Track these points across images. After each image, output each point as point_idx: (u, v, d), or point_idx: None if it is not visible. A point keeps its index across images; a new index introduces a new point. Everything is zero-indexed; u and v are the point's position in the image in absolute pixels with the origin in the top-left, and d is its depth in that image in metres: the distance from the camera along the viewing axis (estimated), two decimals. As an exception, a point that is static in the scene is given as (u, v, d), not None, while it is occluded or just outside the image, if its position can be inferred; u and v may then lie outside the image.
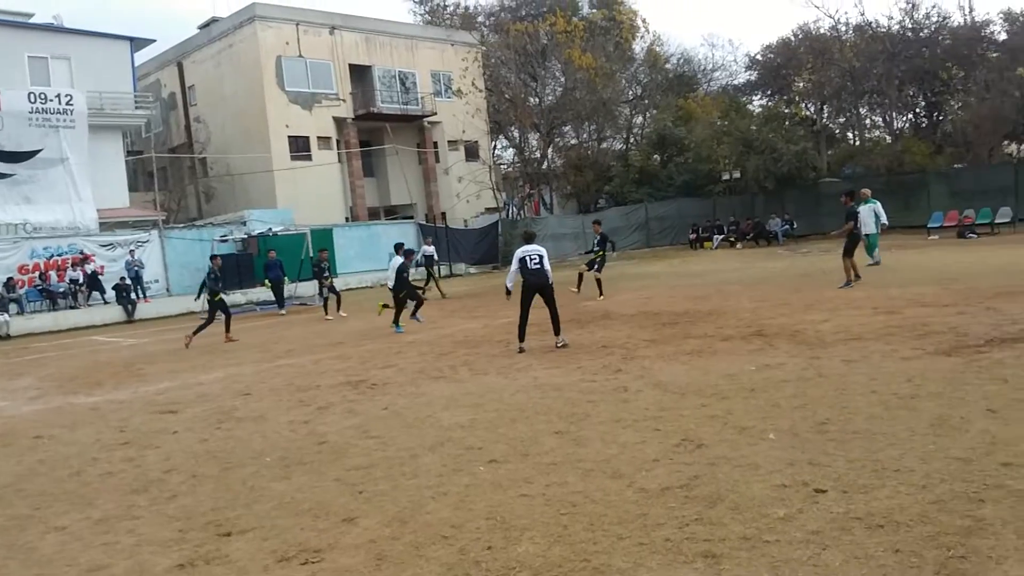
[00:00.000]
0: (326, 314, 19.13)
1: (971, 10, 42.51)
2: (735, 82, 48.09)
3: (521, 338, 10.76)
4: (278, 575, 4.03)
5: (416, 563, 4.00)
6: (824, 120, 42.43)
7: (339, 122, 38.30)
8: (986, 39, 37.77)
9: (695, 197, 37.52)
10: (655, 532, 4.06)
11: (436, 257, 23.41)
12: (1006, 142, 37.49)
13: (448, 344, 12.13)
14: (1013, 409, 5.69)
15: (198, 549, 4.49)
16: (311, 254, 25.48)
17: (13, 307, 23.70)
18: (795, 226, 33.14)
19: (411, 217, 39.72)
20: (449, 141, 42.01)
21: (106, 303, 25.30)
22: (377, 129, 39.83)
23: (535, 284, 10.66)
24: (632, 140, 46.66)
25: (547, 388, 7.96)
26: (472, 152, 41.99)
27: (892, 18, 37.77)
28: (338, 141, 38.46)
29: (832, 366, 7.78)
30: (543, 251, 10.94)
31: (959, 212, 28.75)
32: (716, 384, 7.43)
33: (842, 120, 43.98)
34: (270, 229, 27.44)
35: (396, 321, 14.85)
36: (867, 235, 17.76)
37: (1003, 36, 37.42)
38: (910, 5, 36.86)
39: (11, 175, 27.26)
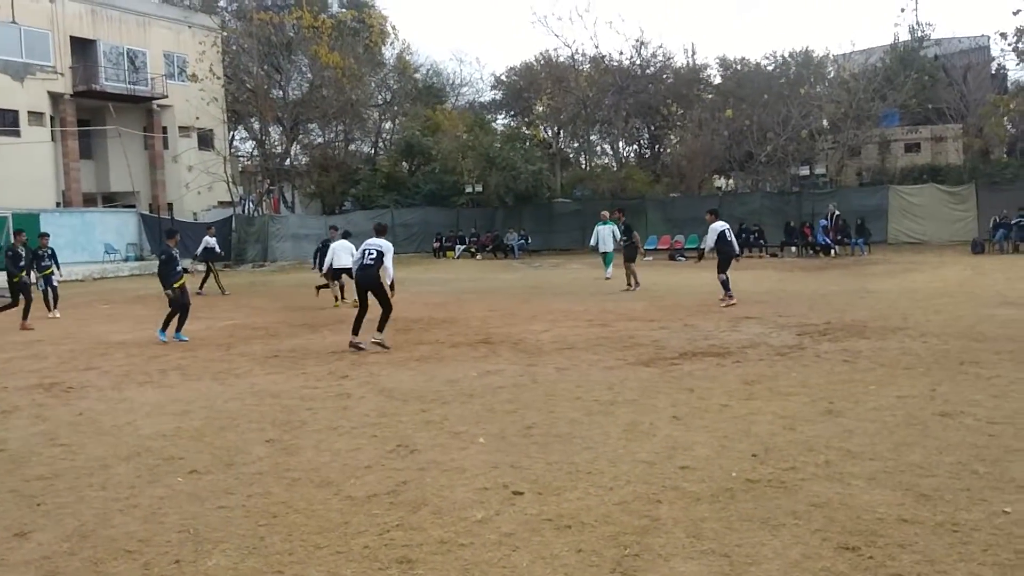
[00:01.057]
0: (50, 311, 15.68)
1: (693, 53, 47.34)
2: (481, 99, 49.74)
3: (354, 332, 10.12)
4: (-88, 609, 3.48)
5: (89, 584, 3.64)
6: (560, 144, 45.08)
7: (55, 97, 34.38)
8: (703, 81, 42.25)
9: (440, 207, 38.22)
10: (354, 540, 4.02)
11: (219, 250, 21.81)
12: (715, 176, 42.09)
13: (161, 347, 11.26)
14: (695, 416, 6.34)
15: None
16: (12, 240, 22.59)
17: None
18: (530, 241, 34.85)
19: (133, 206, 36.57)
20: (180, 127, 39.18)
21: None
22: (99, 108, 36.25)
23: (362, 282, 10.12)
24: (381, 145, 46.57)
25: (264, 395, 7.65)
26: (206, 141, 39.42)
27: (623, 54, 40.92)
28: (52, 118, 34.52)
29: (546, 373, 8.24)
30: (385, 246, 10.11)
31: (671, 237, 31.87)
32: (438, 390, 7.57)
33: (576, 145, 47.01)
34: (-40, 210, 23.98)
35: (164, 329, 11.86)
36: (604, 253, 19.66)
37: (717, 79, 42.08)
38: (639, 43, 40.35)
39: None
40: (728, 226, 15.09)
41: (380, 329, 10.14)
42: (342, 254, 14.85)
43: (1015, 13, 30.62)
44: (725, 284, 14.06)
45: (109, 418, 6.97)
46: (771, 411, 6.41)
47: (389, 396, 7.41)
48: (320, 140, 43.75)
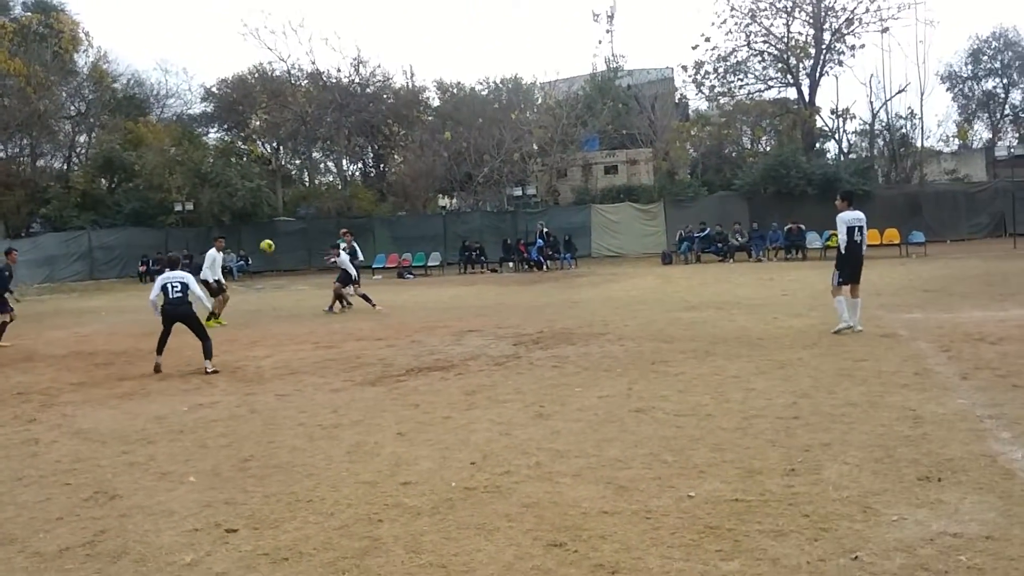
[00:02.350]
0: None
1: (412, 75, 48.22)
2: (190, 111, 46.84)
3: (159, 352, 10.25)
4: None
5: None
6: (280, 160, 43.80)
7: None
8: (423, 103, 43.21)
9: (146, 227, 35.50)
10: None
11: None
12: (439, 195, 43.19)
13: None
14: (419, 432, 6.44)
15: None
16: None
17: None
18: (251, 262, 33.42)
19: None
20: None
21: None
22: None
23: (175, 315, 10.22)
24: (75, 160, 42.21)
25: None
26: None
27: (341, 71, 40.66)
28: None
29: (266, 401, 7.93)
30: (188, 279, 10.34)
31: (399, 255, 32.20)
32: (144, 428, 6.99)
33: (297, 162, 45.94)
34: None
35: None
36: None
37: (436, 102, 43.24)
38: (357, 61, 40.39)
39: None
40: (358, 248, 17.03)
41: (208, 357, 10.04)
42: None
43: (694, 48, 35.03)
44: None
45: None
46: (489, 419, 6.70)
47: (86, 438, 6.72)
48: (2, 154, 38.75)
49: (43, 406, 8.24)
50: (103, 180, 38.20)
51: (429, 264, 31.86)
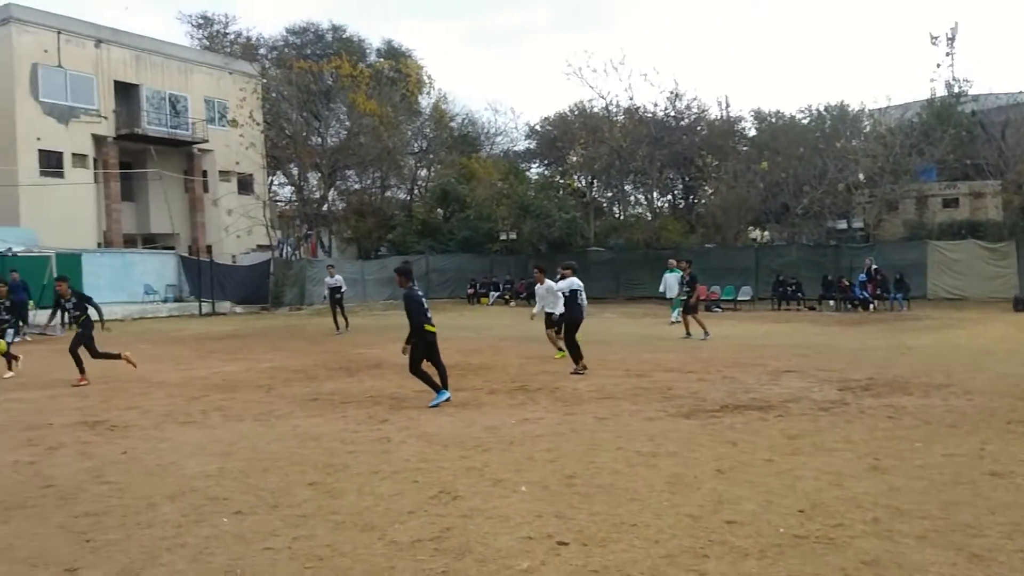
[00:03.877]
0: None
1: (727, 106, 47.53)
2: (516, 148, 50.34)
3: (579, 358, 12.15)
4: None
5: (139, 624, 3.66)
6: (593, 193, 45.35)
7: (99, 140, 35.51)
8: (738, 133, 42.38)
9: (475, 253, 38.52)
10: (402, 586, 4.02)
11: (343, 288, 21.87)
12: (751, 228, 41.99)
13: (201, 387, 11.40)
14: (739, 471, 6.26)
15: None
16: (55, 277, 23.13)
17: None
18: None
19: (172, 248, 37.33)
20: (220, 171, 40.20)
21: None
22: (141, 151, 37.34)
23: (581, 318, 12.37)
24: (416, 191, 47.21)
25: (306, 437, 7.70)
26: (246, 185, 40.34)
27: (657, 105, 41.21)
28: (96, 160, 35.59)
29: (584, 422, 8.20)
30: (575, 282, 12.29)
31: (707, 288, 31.70)
32: (478, 436, 7.56)
33: (609, 194, 47.24)
34: (9, 249, 24.63)
35: None
36: (671, 298, 21.39)
37: (752, 132, 42.20)
38: (674, 95, 40.69)
39: None
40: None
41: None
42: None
43: (1053, 69, 30.53)
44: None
45: (153, 457, 7.05)
46: (816, 466, 6.32)
47: (429, 441, 7.42)
48: (357, 186, 44.48)
49: (392, 409, 9.24)
50: (440, 210, 42.22)
51: (739, 298, 30.95)
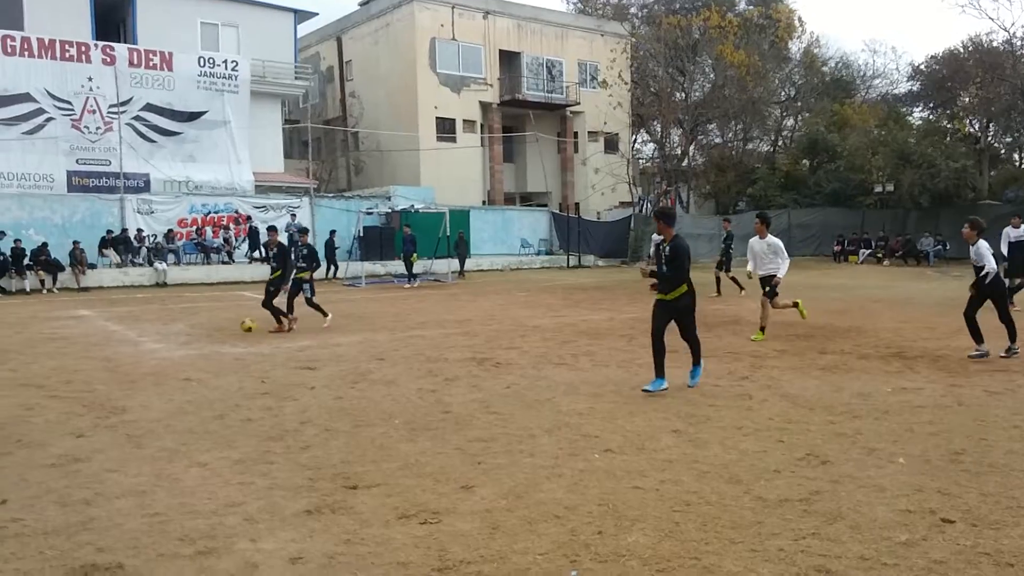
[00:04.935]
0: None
1: None
2: (895, 91, 45.65)
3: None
4: (398, 531, 4.25)
5: (528, 537, 4.13)
6: (989, 139, 39.61)
7: (485, 106, 38.99)
8: None
9: (843, 207, 35.98)
10: (769, 541, 4.02)
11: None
12: None
13: (570, 333, 12.24)
14: None
15: (326, 498, 4.77)
16: (447, 233, 26.23)
17: (171, 257, 25.66)
18: (948, 247, 31.18)
19: (545, 205, 40.01)
20: (589, 132, 42.00)
21: (253, 260, 26.88)
22: (520, 115, 40.28)
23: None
24: (781, 143, 45.16)
25: (668, 386, 7.92)
26: (611, 144, 41.78)
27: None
28: (482, 125, 39.17)
29: (973, 395, 7.38)
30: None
31: None
32: (848, 402, 7.19)
33: (1009, 140, 40.92)
34: (412, 206, 28.34)
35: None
36: None
37: None
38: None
39: (179, 133, 29.31)
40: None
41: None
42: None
43: None
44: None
45: (532, 393, 7.77)
46: None
47: (793, 402, 7.22)
48: (718, 140, 43.74)
49: (751, 367, 9.11)
50: (806, 161, 40.00)
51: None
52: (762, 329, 11.33)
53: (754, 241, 11.39)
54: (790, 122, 45.65)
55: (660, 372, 7.65)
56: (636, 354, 9.98)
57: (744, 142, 43.58)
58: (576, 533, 4.17)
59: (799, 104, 44.44)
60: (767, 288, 11.24)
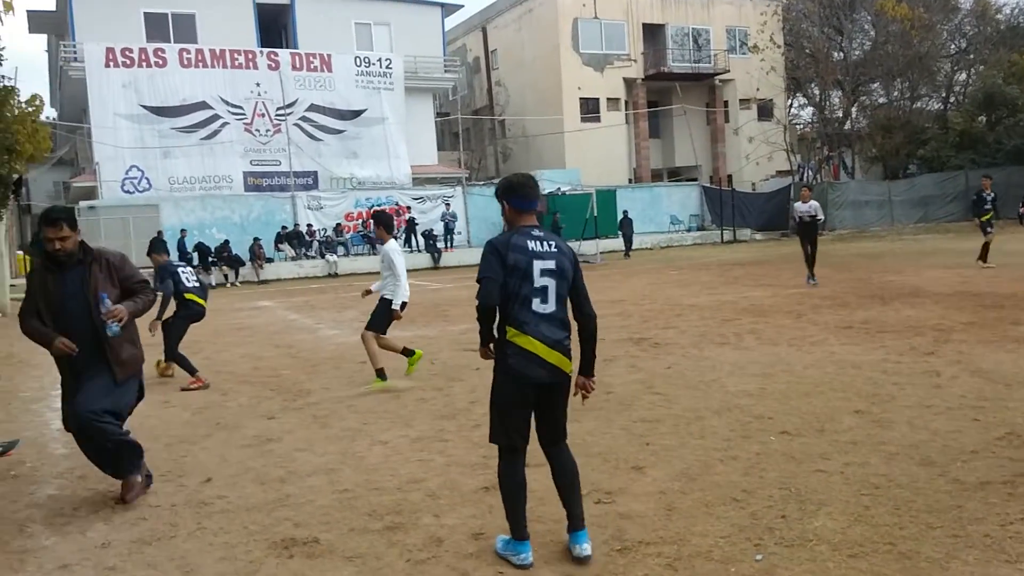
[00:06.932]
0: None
1: None
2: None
3: None
4: (573, 512, 4.26)
5: (706, 520, 4.04)
6: None
7: (629, 83, 38.43)
8: None
9: (1027, 165, 32.98)
10: (972, 527, 3.74)
11: (820, 218, 15.41)
12: None
13: (731, 311, 11.87)
14: None
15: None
16: (595, 214, 26.11)
17: (340, 249, 27.17)
18: None
19: (695, 179, 39.03)
20: (740, 100, 40.42)
21: (415, 250, 27.90)
22: (666, 89, 39.41)
23: None
24: (953, 99, 41.83)
25: (845, 364, 7.53)
26: (765, 111, 40.02)
27: None
28: (626, 102, 38.64)
29: None
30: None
31: None
32: (1050, 377, 6.59)
33: None
34: (559, 189, 28.41)
35: None
36: None
37: None
38: None
39: (342, 131, 30.73)
40: None
41: None
42: None
43: None
44: None
45: (695, 373, 7.60)
46: None
47: (987, 378, 6.68)
48: (883, 100, 41.04)
49: (936, 341, 8.50)
50: (982, 118, 36.87)
51: None
52: None
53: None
54: (962, 76, 42.20)
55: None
56: (807, 331, 9.56)
57: (911, 101, 40.67)
58: (757, 517, 4.04)
59: (971, 56, 40.97)
60: None
